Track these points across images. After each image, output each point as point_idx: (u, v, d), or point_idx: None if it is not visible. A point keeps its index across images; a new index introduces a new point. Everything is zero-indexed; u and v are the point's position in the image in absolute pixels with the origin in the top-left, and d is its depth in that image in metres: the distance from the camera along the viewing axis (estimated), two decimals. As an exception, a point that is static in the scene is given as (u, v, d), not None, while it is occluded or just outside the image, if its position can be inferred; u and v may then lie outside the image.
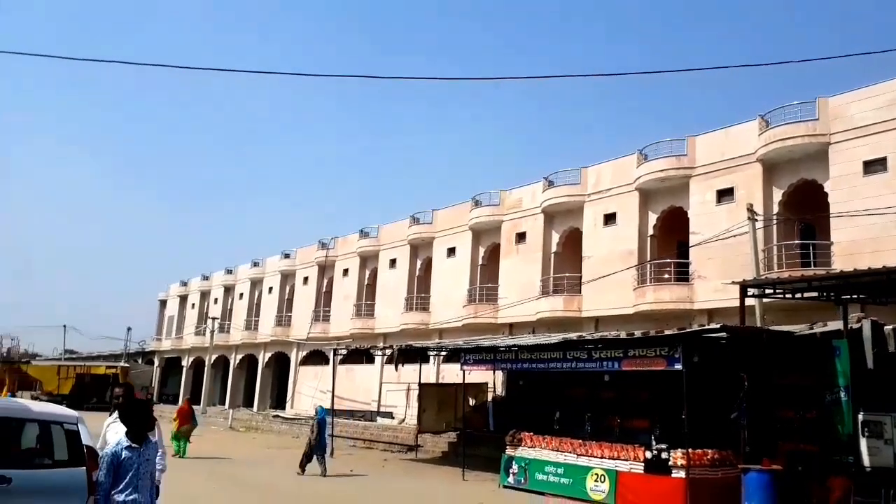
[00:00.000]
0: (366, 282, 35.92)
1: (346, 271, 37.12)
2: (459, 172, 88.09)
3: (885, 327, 15.60)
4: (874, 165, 16.95)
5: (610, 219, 23.43)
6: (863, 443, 14.23)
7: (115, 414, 6.45)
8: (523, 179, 30.92)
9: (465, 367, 19.45)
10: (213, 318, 45.88)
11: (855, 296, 15.39)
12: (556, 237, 25.79)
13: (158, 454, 6.39)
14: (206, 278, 52.98)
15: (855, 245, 16.68)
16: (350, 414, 31.30)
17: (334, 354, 26.79)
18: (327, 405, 27.29)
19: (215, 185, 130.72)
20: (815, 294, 15.27)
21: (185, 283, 56.06)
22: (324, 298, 38.60)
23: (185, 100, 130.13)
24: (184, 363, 53.15)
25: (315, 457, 17.38)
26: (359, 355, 32.26)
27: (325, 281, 38.83)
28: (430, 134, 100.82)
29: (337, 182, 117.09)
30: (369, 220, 74.09)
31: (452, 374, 24.49)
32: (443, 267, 30.49)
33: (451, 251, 30.24)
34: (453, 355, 23.26)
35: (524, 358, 17.65)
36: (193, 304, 53.56)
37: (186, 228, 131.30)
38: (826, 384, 14.79)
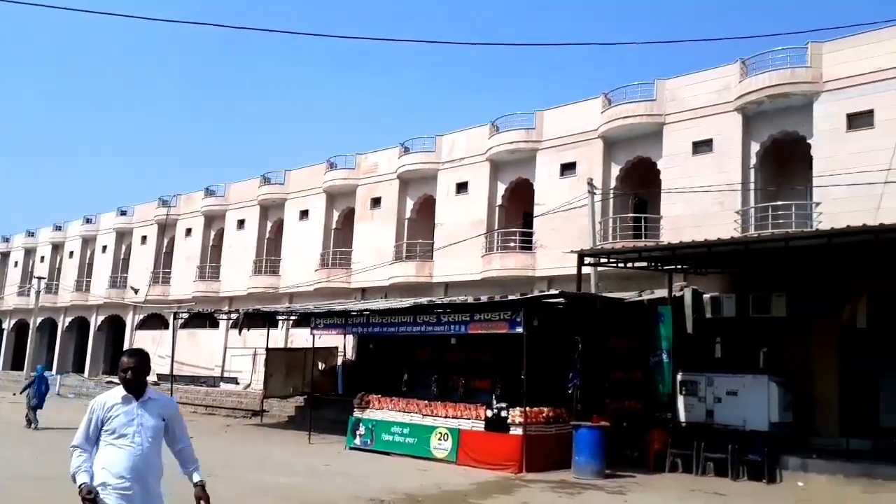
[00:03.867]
0: (211, 243, 34.43)
1: (189, 231, 35.40)
2: (315, 134, 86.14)
3: (704, 295, 17.21)
4: (702, 146, 18.41)
5: (462, 187, 23.91)
6: (680, 400, 15.70)
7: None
8: (380, 144, 30.77)
9: (315, 332, 19.28)
10: (40, 278, 42.25)
11: (679, 266, 16.78)
12: (410, 203, 25.97)
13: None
14: (31, 234, 48.59)
15: (681, 220, 18.08)
16: (192, 380, 30.17)
17: (175, 318, 25.61)
18: (167, 370, 26.15)
19: (39, 135, 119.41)
20: (644, 264, 16.48)
21: (6, 240, 51.19)
22: (164, 259, 36.64)
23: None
24: (4, 325, 48.73)
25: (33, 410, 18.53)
26: (202, 319, 31.05)
27: (166, 241, 36.83)
28: (286, 92, 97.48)
29: (181, 137, 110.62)
30: (215, 179, 70.91)
31: (302, 338, 24.19)
32: (295, 229, 29.84)
33: (304, 213, 29.65)
34: (304, 320, 22.96)
35: (375, 322, 17.81)
36: (17, 262, 49.05)
37: (7, 181, 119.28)
38: (651, 347, 16.12)
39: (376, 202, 26.74)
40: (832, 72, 16.25)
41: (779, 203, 16.79)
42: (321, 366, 22.90)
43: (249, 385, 27.90)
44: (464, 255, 22.48)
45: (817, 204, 16.00)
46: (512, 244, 22.40)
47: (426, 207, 25.43)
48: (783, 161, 18.17)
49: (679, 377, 15.77)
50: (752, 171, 17.50)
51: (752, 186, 17.40)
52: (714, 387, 15.39)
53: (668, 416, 15.62)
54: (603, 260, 16.63)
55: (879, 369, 16.70)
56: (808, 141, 16.60)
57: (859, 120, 15.77)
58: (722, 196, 17.27)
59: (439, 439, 15.04)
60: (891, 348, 16.56)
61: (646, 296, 17.11)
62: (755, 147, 17.58)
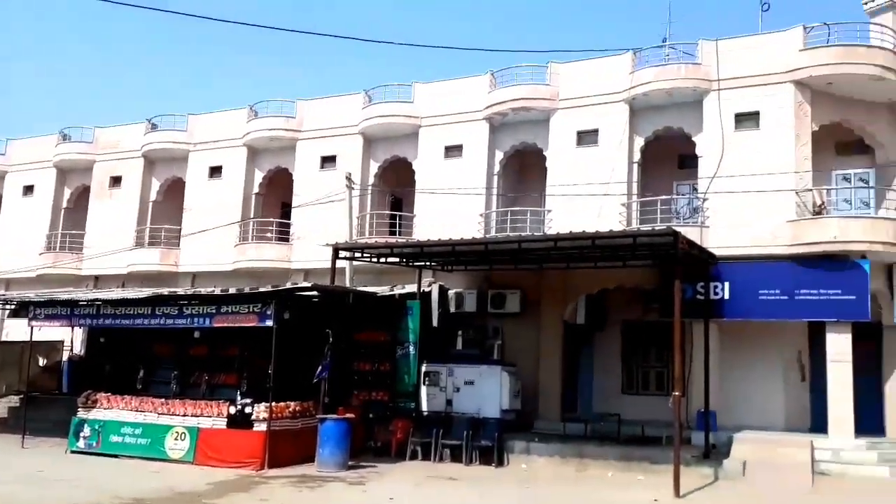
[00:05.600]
0: None
1: None
2: (47, 102, 75.97)
3: (449, 291, 18.20)
4: (453, 150, 19.34)
5: (216, 171, 22.74)
6: (423, 390, 16.43)
7: None
8: (125, 120, 28.26)
9: (34, 323, 17.26)
10: None
11: (428, 263, 17.54)
12: (156, 184, 24.15)
13: None
14: None
15: (433, 219, 18.81)
16: None
17: None
18: None
19: None
20: (396, 260, 16.98)
21: None
22: None
23: None
24: None
25: None
26: None
27: None
28: (21, 51, 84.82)
29: None
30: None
31: (21, 330, 21.39)
32: (15, 207, 26.26)
33: (29, 189, 26.21)
34: (22, 309, 20.35)
35: (108, 313, 16.37)
36: None
37: None
38: (399, 340, 16.69)
39: (116, 181, 24.47)
40: (567, 91, 17.97)
41: (517, 209, 18.23)
42: (42, 361, 20.59)
43: (-50, 384, 24.13)
44: (215, 244, 21.42)
45: (549, 211, 17.62)
46: (269, 234, 21.80)
47: (174, 190, 23.82)
48: (523, 169, 19.74)
49: (423, 368, 16.50)
50: (496, 178, 18.79)
51: (494, 192, 18.67)
52: (454, 377, 16.33)
53: (411, 406, 16.26)
54: (358, 254, 16.84)
55: (594, 360, 18.96)
56: (545, 153, 18.20)
57: (587, 137, 17.63)
58: (469, 199, 18.31)
59: (176, 439, 14.21)
60: (601, 342, 18.90)
61: (397, 290, 17.65)
62: (499, 155, 18.88)
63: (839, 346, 14.65)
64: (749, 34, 16.79)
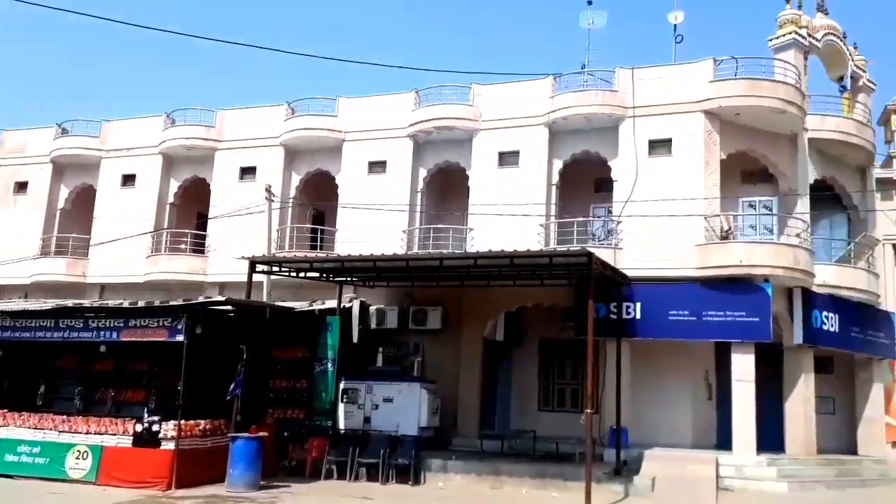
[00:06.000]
0: None
1: None
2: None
3: (371, 307, 18.07)
4: (376, 166, 19.30)
5: (129, 180, 21.91)
6: (341, 408, 16.25)
7: None
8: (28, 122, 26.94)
9: (-78, 336, 16.14)
10: None
11: (349, 278, 17.38)
12: (65, 192, 23.09)
13: None
14: None
15: (356, 234, 18.67)
16: None
17: None
18: None
19: None
20: (316, 274, 16.75)
21: None
22: None
23: None
24: None
25: None
26: None
27: None
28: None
29: None
30: None
31: None
32: None
33: (-74, 195, 24.65)
34: None
35: (7, 325, 15.61)
36: None
37: None
38: (317, 356, 16.44)
39: (22, 187, 23.27)
40: (489, 112, 18.23)
41: (440, 226, 18.31)
42: (-68, 376, 19.16)
43: None
44: (126, 255, 20.57)
45: (471, 229, 17.77)
46: (183, 246, 21.12)
47: (84, 198, 22.82)
48: (446, 188, 19.82)
49: (342, 385, 16.30)
50: (419, 195, 18.84)
51: (418, 209, 18.70)
52: (373, 394, 16.22)
53: (328, 424, 16.01)
54: (275, 268, 16.51)
55: (511, 377, 19.17)
56: (468, 172, 18.38)
57: (508, 158, 17.91)
58: (392, 215, 18.26)
59: (77, 458, 13.54)
60: (519, 359, 19.14)
61: (317, 306, 17.39)
62: (423, 173, 18.95)
63: (743, 367, 15.34)
64: (663, 64, 17.51)
